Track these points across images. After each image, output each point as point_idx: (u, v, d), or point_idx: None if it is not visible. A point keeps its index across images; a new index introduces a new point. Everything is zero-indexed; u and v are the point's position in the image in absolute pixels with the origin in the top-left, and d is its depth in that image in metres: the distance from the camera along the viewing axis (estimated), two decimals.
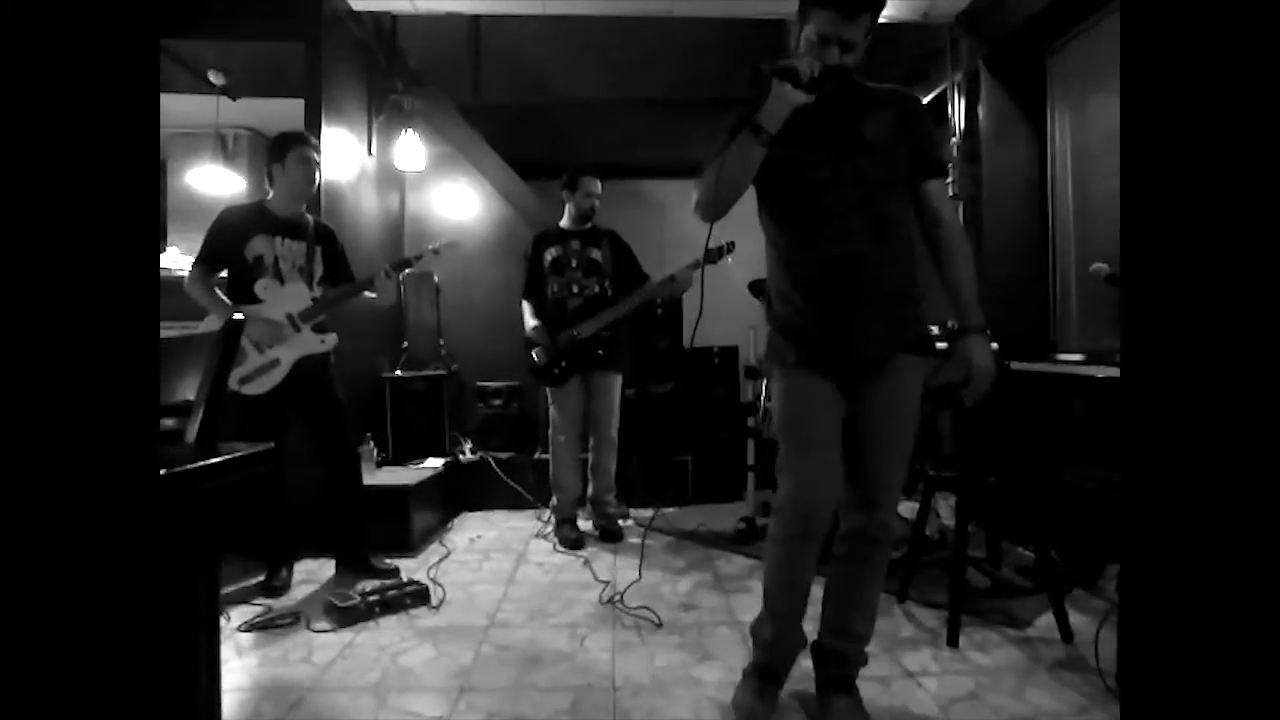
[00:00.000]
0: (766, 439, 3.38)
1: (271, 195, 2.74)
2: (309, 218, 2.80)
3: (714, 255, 3.11)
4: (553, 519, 3.46)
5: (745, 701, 1.76)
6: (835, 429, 1.69)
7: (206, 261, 2.63)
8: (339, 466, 2.82)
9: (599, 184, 3.42)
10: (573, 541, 3.26)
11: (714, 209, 1.66)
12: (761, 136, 1.57)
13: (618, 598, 2.54)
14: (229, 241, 2.64)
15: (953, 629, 2.16)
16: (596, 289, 3.33)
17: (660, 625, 2.32)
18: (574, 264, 3.38)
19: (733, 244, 3.18)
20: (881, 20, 1.66)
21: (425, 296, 4.36)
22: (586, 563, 2.97)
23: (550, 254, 3.41)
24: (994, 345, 2.55)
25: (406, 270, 2.90)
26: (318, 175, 2.78)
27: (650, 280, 3.34)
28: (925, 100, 4.39)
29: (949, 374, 1.76)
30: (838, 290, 1.65)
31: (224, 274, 2.69)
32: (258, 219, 2.69)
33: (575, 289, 3.35)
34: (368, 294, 2.82)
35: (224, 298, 2.62)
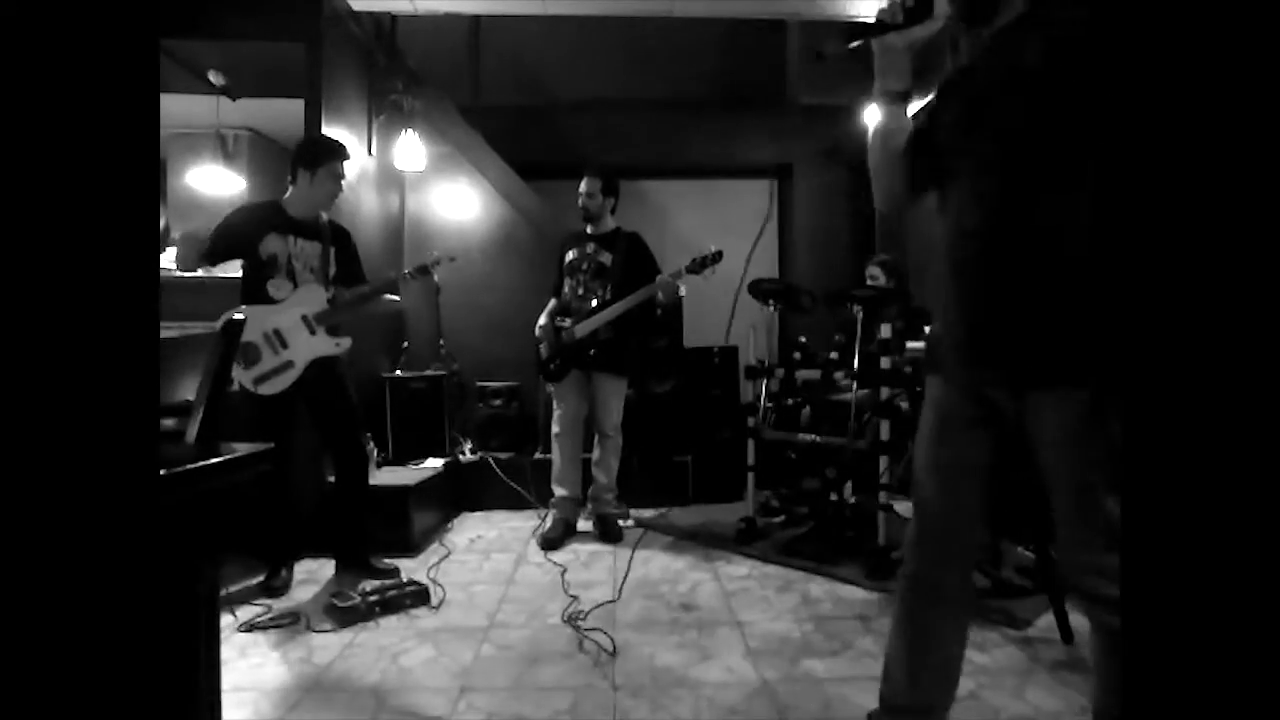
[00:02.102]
0: (766, 439, 3.38)
1: (290, 195, 2.74)
2: (324, 217, 2.80)
3: (697, 265, 3.15)
4: (549, 515, 3.46)
5: None
6: (968, 463, 1.31)
7: (208, 257, 2.62)
8: (348, 468, 2.82)
9: (597, 182, 3.39)
10: (549, 541, 3.24)
11: (890, 201, 1.42)
12: (893, 98, 1.34)
13: (581, 617, 2.40)
14: (241, 237, 2.64)
15: None
16: (600, 292, 3.34)
17: (613, 654, 2.12)
18: (584, 267, 3.40)
19: (720, 254, 3.18)
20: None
21: (425, 296, 4.36)
22: (564, 573, 2.88)
23: (569, 255, 3.47)
24: None
25: (425, 276, 2.90)
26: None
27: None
28: (925, 100, 4.39)
29: None
30: (968, 279, 1.25)
31: (238, 272, 2.69)
32: (272, 217, 2.69)
33: (582, 292, 3.38)
34: (389, 297, 2.83)
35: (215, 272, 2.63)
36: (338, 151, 2.77)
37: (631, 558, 3.07)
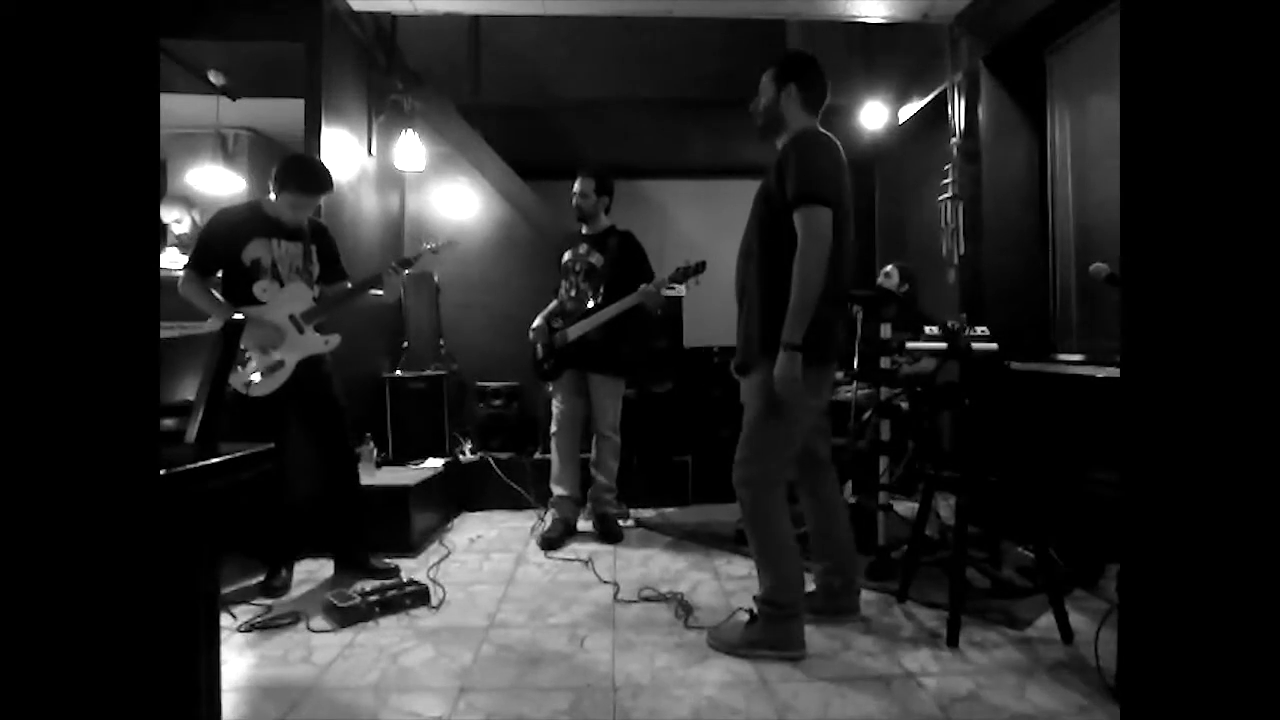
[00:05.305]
0: None
1: (269, 198, 2.72)
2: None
3: (680, 275, 3.19)
4: (549, 515, 3.46)
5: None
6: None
7: (200, 266, 2.61)
8: (337, 467, 2.82)
9: (590, 182, 3.38)
10: (549, 541, 3.25)
11: None
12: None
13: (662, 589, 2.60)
14: (224, 245, 2.62)
15: (953, 629, 2.16)
16: (591, 294, 3.34)
17: (692, 610, 2.43)
18: (576, 268, 3.40)
19: (703, 264, 3.21)
20: (881, 20, 1.66)
21: (425, 296, 4.36)
22: (588, 563, 2.96)
23: (565, 257, 3.47)
24: (993, 345, 2.56)
25: (408, 268, 2.89)
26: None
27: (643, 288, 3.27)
28: (925, 100, 4.39)
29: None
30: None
31: (219, 275, 2.68)
32: (254, 221, 2.67)
33: (575, 293, 3.39)
34: (374, 291, 2.82)
35: (222, 299, 2.62)
36: (308, 188, 2.66)
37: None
